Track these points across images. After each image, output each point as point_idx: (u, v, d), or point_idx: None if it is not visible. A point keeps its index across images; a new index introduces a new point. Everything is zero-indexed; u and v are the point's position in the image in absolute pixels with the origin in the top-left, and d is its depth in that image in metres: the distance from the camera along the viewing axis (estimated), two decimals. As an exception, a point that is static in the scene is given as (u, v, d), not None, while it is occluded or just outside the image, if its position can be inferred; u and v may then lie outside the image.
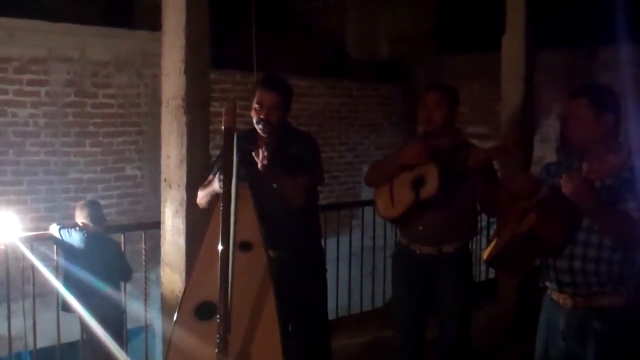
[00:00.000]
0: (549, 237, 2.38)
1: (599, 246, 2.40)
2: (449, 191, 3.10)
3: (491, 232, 5.89)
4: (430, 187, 3.08)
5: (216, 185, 2.90)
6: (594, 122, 2.45)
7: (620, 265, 2.40)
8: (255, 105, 3.06)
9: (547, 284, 2.56)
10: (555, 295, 2.54)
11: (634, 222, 2.31)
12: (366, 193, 7.25)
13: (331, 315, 3.59)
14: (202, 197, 3.10)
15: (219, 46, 4.02)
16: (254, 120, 3.07)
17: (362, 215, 5.23)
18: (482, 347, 3.96)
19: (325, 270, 3.40)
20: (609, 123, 2.46)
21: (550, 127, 7.55)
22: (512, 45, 4.90)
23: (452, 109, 3.23)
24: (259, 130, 3.07)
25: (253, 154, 2.84)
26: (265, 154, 2.81)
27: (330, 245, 4.59)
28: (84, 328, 4.24)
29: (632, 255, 2.40)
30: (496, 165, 3.28)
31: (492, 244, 2.62)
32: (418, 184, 3.14)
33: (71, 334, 4.31)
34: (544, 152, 7.41)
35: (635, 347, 2.43)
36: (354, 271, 5.17)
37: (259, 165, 2.83)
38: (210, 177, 3.02)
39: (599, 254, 2.40)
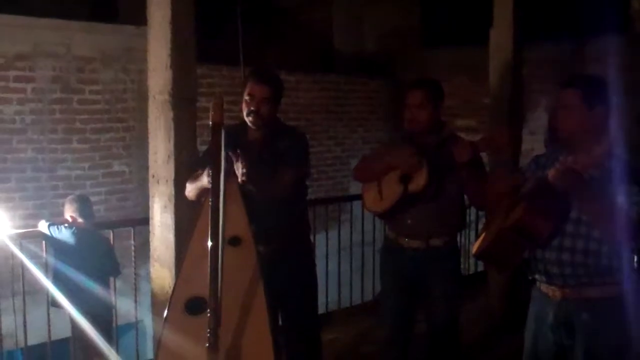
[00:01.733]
0: (536, 230, 2.39)
1: (587, 238, 2.41)
2: (437, 185, 3.10)
3: (480, 226, 5.93)
4: (419, 181, 3.08)
5: (204, 181, 2.90)
6: (585, 114, 2.44)
7: (608, 257, 2.40)
8: (246, 98, 3.06)
9: (536, 276, 2.57)
10: (544, 288, 2.55)
11: (622, 214, 2.30)
12: (355, 187, 7.24)
13: (321, 310, 3.59)
14: (189, 190, 3.10)
15: (206, 41, 4.01)
16: (244, 113, 3.07)
17: (351, 210, 5.24)
18: (470, 340, 3.98)
19: (314, 265, 3.41)
20: (600, 115, 2.45)
21: (538, 120, 7.57)
22: (500, 38, 4.91)
23: (437, 107, 3.22)
24: (249, 123, 3.07)
25: (234, 165, 2.82)
26: (244, 170, 2.79)
27: (319, 240, 4.59)
28: (74, 325, 4.23)
29: (621, 247, 2.40)
30: (485, 159, 3.29)
31: (481, 238, 2.64)
32: (406, 178, 3.14)
33: (62, 331, 4.30)
34: (533, 144, 7.41)
35: (624, 339, 2.44)
36: (344, 265, 5.19)
37: (239, 179, 2.81)
38: (199, 171, 3.02)
39: (588, 245, 2.41)
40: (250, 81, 3.09)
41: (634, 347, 2.44)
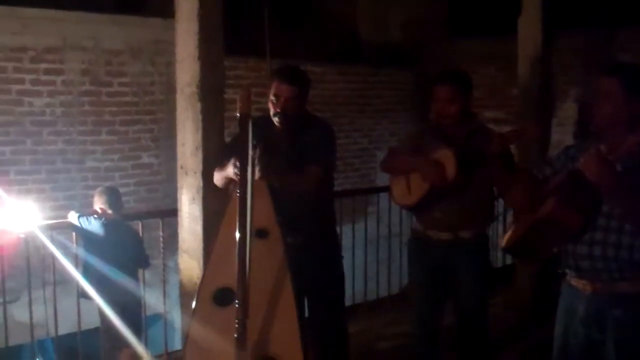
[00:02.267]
0: (567, 223, 2.36)
1: (619, 231, 2.35)
2: (466, 178, 3.08)
3: (508, 218, 5.88)
4: (447, 174, 3.06)
5: (230, 171, 2.90)
6: (623, 104, 2.37)
7: None
8: (272, 98, 3.05)
9: (567, 270, 2.53)
10: (574, 281, 2.51)
11: None
12: (381, 179, 7.23)
13: (347, 302, 3.59)
14: (217, 179, 3.13)
15: (232, 32, 4.01)
16: (271, 113, 3.07)
17: (378, 202, 5.22)
18: (498, 333, 3.95)
19: (341, 256, 3.41)
20: (638, 108, 2.38)
21: (567, 111, 7.48)
22: (528, 27, 4.84)
23: (466, 99, 3.18)
24: (275, 123, 3.06)
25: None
26: (260, 167, 2.82)
27: (345, 232, 4.58)
28: (103, 315, 4.28)
29: None
30: (513, 150, 3.25)
31: (511, 231, 2.60)
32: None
33: (91, 321, 4.36)
34: (562, 135, 7.33)
35: None
36: (370, 258, 5.17)
37: (256, 176, 2.82)
38: (226, 161, 3.02)
39: (620, 239, 2.35)
40: (276, 80, 3.07)
41: None
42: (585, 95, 7.31)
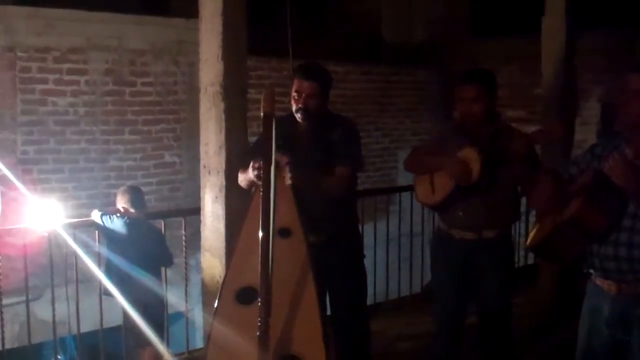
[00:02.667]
0: (593, 224, 2.34)
1: None
2: (491, 177, 3.06)
3: (531, 218, 5.83)
4: (472, 173, 3.04)
5: (250, 174, 2.91)
6: None
7: None
8: (294, 94, 3.07)
9: (591, 270, 2.50)
10: (599, 282, 2.48)
11: None
12: (403, 179, 7.22)
13: (369, 301, 3.58)
14: (241, 180, 3.14)
15: (255, 32, 4.02)
16: (293, 109, 3.09)
17: (400, 201, 5.20)
18: (521, 333, 3.92)
19: (363, 256, 3.40)
20: None
21: (591, 110, 7.41)
22: (552, 26, 4.80)
23: (491, 99, 3.15)
24: (298, 119, 3.08)
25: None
26: (291, 175, 2.82)
27: (367, 231, 4.57)
28: (126, 314, 4.30)
29: None
30: (537, 150, 3.22)
31: (535, 230, 2.58)
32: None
33: (113, 319, 4.38)
34: (585, 135, 7.26)
35: None
36: (392, 257, 5.16)
37: (286, 182, 2.83)
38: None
39: None
40: (297, 77, 3.09)
41: None
42: (608, 94, 7.24)
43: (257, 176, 2.82)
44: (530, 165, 2.99)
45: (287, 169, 2.84)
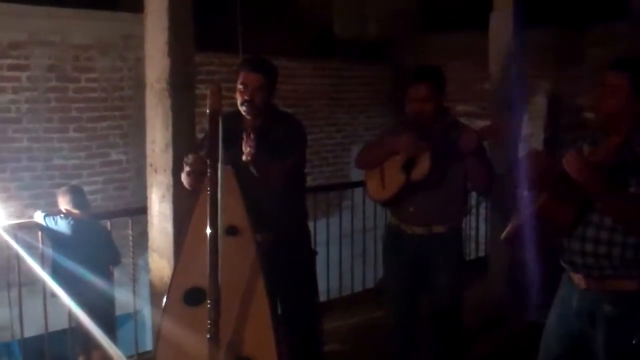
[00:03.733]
0: (558, 218, 2.36)
1: (611, 229, 2.33)
2: (440, 172, 3.07)
3: (481, 210, 5.90)
4: (422, 169, 3.06)
5: (185, 168, 2.86)
6: (629, 100, 2.33)
7: (634, 249, 2.32)
8: (240, 87, 3.03)
9: (562, 264, 2.52)
10: (571, 274, 2.50)
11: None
12: (356, 174, 7.21)
13: (322, 298, 3.57)
14: (183, 178, 3.06)
15: (204, 27, 3.95)
16: (239, 102, 3.04)
17: (352, 197, 5.20)
18: (472, 325, 3.95)
19: (314, 252, 3.38)
20: None
21: (538, 105, 7.53)
22: (500, 22, 4.86)
23: (441, 96, 3.18)
24: (243, 112, 3.03)
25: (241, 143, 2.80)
26: (251, 150, 2.78)
27: (320, 227, 4.56)
28: (72, 316, 4.19)
29: None
30: (486, 144, 3.24)
31: (510, 224, 2.59)
32: (409, 165, 3.11)
33: (59, 322, 4.26)
34: (533, 129, 7.39)
35: None
36: (345, 253, 5.15)
37: (244, 157, 2.80)
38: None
39: (612, 237, 2.33)
40: (243, 70, 3.05)
41: None
42: (554, 89, 7.38)
43: (189, 174, 2.78)
44: (479, 160, 3.02)
45: (248, 145, 2.79)
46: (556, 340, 2.59)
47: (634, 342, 2.35)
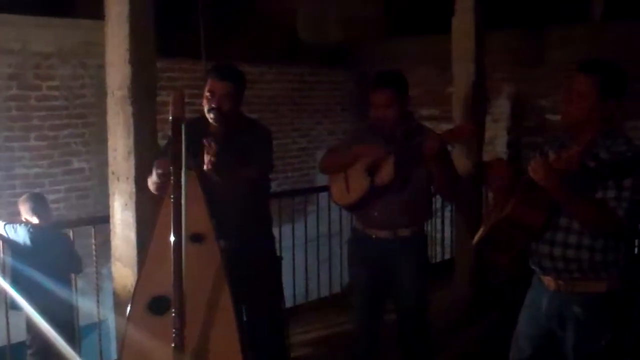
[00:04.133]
0: (527, 222, 2.38)
1: (580, 233, 2.36)
2: (404, 177, 3.09)
3: (445, 214, 5.96)
4: (385, 174, 3.06)
5: (153, 176, 2.83)
6: (596, 103, 2.35)
7: (602, 252, 2.36)
8: (207, 94, 3.02)
9: (532, 266, 2.55)
10: (540, 276, 2.53)
11: (606, 211, 2.26)
12: (321, 179, 7.20)
13: (288, 303, 3.56)
14: (150, 184, 3.04)
15: (166, 34, 3.92)
16: (205, 109, 3.03)
17: (317, 201, 5.20)
18: (439, 327, 3.98)
19: (280, 258, 3.38)
20: (611, 109, 2.36)
21: (501, 107, 7.63)
22: (462, 25, 4.89)
23: (403, 102, 3.18)
24: (210, 120, 3.01)
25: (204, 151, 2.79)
26: (212, 159, 2.76)
27: (285, 233, 4.55)
28: (30, 328, 4.12)
29: (616, 242, 2.36)
30: (449, 147, 3.27)
31: (481, 229, 2.61)
32: (373, 170, 3.11)
33: (22, 334, 4.19)
34: (496, 132, 7.50)
35: (617, 335, 2.42)
36: (311, 258, 5.15)
37: (205, 167, 2.78)
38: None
39: (580, 240, 2.37)
40: (211, 77, 3.04)
41: (624, 345, 2.43)
42: (517, 91, 7.49)
43: (161, 178, 2.76)
44: (443, 164, 3.04)
45: (209, 154, 2.77)
46: (526, 342, 2.62)
47: (602, 343, 2.39)
